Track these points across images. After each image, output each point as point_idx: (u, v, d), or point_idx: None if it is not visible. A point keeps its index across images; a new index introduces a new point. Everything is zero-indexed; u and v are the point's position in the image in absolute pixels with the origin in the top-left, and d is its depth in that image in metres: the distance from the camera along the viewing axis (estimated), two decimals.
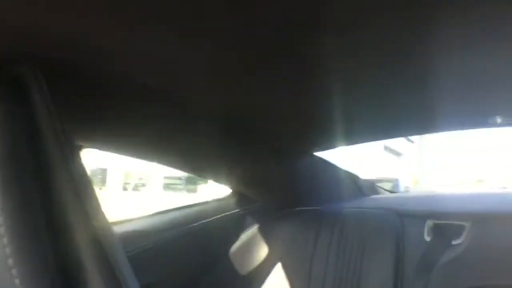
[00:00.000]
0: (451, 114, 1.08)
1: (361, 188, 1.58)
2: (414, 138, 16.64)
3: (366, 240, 1.24)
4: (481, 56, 0.69)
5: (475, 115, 1.10)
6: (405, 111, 1.02)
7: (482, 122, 1.16)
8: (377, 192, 1.64)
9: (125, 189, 9.61)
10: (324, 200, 1.42)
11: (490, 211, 1.23)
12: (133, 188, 9.57)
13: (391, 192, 1.71)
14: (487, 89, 0.87)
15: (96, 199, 0.50)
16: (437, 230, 1.23)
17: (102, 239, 0.47)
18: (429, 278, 1.15)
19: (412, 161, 16.48)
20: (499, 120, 1.09)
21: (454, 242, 1.19)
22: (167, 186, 10.73)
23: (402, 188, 8.69)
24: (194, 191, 9.19)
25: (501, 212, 1.22)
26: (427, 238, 1.22)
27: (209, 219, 1.33)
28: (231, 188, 1.41)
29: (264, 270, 1.34)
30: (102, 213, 0.50)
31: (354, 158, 11.31)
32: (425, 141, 16.66)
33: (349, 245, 1.25)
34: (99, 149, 1.01)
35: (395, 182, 8.90)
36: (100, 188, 9.64)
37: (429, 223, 1.24)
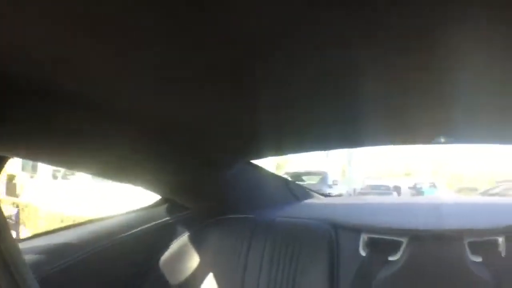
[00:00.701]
0: (395, 131, 1.10)
1: (294, 192, 1.57)
2: None
3: (300, 252, 1.22)
4: (428, 77, 0.70)
5: (422, 135, 1.12)
6: (335, 126, 1.02)
7: (426, 140, 1.18)
8: (309, 196, 1.65)
9: (55, 177, 9.11)
10: (256, 207, 1.40)
11: (427, 228, 1.24)
12: (62, 177, 9.08)
13: (323, 195, 1.74)
14: (432, 110, 0.89)
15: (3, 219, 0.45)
16: (373, 245, 1.22)
17: (8, 259, 0.43)
18: None
19: (340, 152, 17.19)
20: (443, 139, 1.12)
21: (390, 258, 1.19)
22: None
23: (330, 181, 9.06)
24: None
25: (437, 229, 1.23)
26: (363, 253, 1.21)
27: (138, 229, 1.26)
28: (161, 195, 1.35)
29: (196, 280, 1.30)
30: (9, 233, 0.45)
31: None
32: None
33: (282, 256, 1.22)
34: (27, 159, 0.92)
35: (323, 175, 9.25)
36: (32, 176, 9.21)
37: (364, 237, 1.23)
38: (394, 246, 1.20)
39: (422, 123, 1.01)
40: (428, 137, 1.14)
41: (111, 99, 0.75)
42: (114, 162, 1.07)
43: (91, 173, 1.12)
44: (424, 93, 0.77)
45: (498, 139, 1.20)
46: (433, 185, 12.34)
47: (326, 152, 16.34)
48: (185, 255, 1.32)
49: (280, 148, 1.25)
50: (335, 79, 0.70)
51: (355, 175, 16.16)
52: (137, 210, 1.32)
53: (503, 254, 1.16)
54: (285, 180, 1.59)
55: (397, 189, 11.02)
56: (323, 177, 8.99)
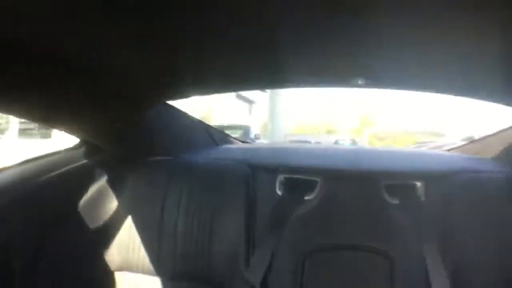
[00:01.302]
0: (314, 73, 1.12)
1: (213, 137, 1.60)
2: None
3: (218, 192, 1.24)
4: (344, 18, 0.71)
5: (338, 74, 1.14)
6: (255, 64, 1.03)
7: (345, 82, 1.20)
8: (229, 142, 1.69)
9: None
10: (176, 150, 1.41)
11: (343, 168, 1.29)
12: None
13: (242, 142, 1.80)
14: (351, 52, 0.91)
15: None
16: (289, 185, 1.26)
17: None
18: (281, 233, 1.19)
19: (263, 109, 17.45)
20: (360, 81, 1.14)
21: (306, 198, 1.24)
22: (22, 132, 9.70)
23: (252, 135, 9.24)
24: (49, 136, 8.47)
25: (353, 169, 1.28)
26: (279, 192, 1.25)
27: (56, 172, 1.23)
28: (79, 138, 1.32)
29: (115, 223, 1.30)
30: None
31: (206, 105, 11.51)
32: (278, 90, 17.70)
33: (200, 197, 1.25)
34: None
35: (246, 129, 9.40)
36: None
37: (281, 177, 1.26)
38: (310, 186, 1.25)
39: (341, 64, 1.03)
40: (347, 79, 1.16)
41: (27, 41, 0.74)
42: (33, 103, 1.02)
43: (11, 113, 1.05)
44: (343, 34, 0.79)
45: (416, 86, 1.24)
46: (354, 142, 12.90)
47: (249, 108, 16.52)
48: (104, 199, 1.32)
49: (200, 87, 1.26)
50: (254, 17, 0.72)
51: (277, 131, 16.57)
52: (54, 153, 1.28)
53: (422, 199, 1.23)
54: (205, 124, 1.61)
55: (318, 144, 11.34)
56: (245, 131, 9.13)
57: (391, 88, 1.27)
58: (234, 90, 1.47)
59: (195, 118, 1.56)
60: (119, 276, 1.30)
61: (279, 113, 17.92)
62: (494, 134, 1.53)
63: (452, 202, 1.20)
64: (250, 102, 16.42)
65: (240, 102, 15.39)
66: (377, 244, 1.18)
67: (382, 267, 1.17)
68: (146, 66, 0.99)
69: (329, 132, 19.59)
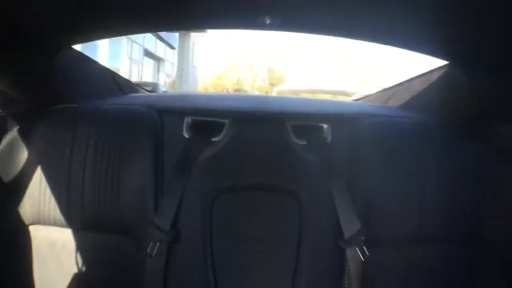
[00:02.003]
0: (217, 12, 1.08)
1: (120, 86, 1.57)
2: (175, 44, 17.09)
3: (125, 137, 1.22)
4: None
5: (243, 14, 1.10)
6: (155, 6, 1.01)
7: (250, 22, 1.16)
8: (136, 91, 1.69)
9: None
10: (83, 97, 1.38)
11: (250, 110, 1.30)
12: None
13: (150, 92, 1.82)
14: None
15: None
16: (196, 127, 1.25)
17: None
18: (189, 176, 1.19)
19: (172, 67, 17.06)
20: (268, 21, 1.08)
21: (213, 139, 1.24)
22: None
23: (161, 92, 9.09)
24: None
25: (260, 111, 1.29)
26: (187, 135, 1.25)
27: None
28: None
29: (26, 175, 1.26)
30: None
31: (113, 63, 10.99)
32: (187, 47, 17.35)
33: (107, 143, 1.22)
34: None
35: (154, 86, 9.21)
36: None
37: (188, 120, 1.25)
38: (217, 128, 1.25)
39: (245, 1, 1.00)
40: (253, 18, 1.11)
41: None
42: None
43: None
44: None
45: (326, 30, 1.21)
46: None
47: (158, 65, 16.02)
48: (15, 151, 1.28)
49: (104, 29, 1.21)
50: None
51: (185, 88, 16.40)
52: None
53: (328, 140, 1.26)
54: (112, 72, 1.58)
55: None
56: (153, 88, 8.95)
57: (301, 31, 1.23)
58: (136, 32, 1.44)
59: (102, 65, 1.52)
60: (33, 230, 1.27)
61: (188, 71, 17.65)
62: (401, 84, 1.58)
63: (359, 145, 1.24)
64: (158, 59, 15.94)
65: (148, 59, 14.88)
66: (285, 184, 1.20)
67: (290, 206, 1.19)
68: (49, 9, 0.95)
69: (237, 91, 19.65)
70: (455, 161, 1.23)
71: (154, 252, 1.14)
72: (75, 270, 1.27)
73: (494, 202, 1.23)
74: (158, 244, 1.14)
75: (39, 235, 1.28)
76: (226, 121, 1.26)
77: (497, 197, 1.23)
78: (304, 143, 1.24)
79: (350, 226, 1.14)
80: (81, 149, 1.22)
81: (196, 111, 1.28)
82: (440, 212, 1.20)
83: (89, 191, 1.22)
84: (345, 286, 1.17)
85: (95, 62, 1.47)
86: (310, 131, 1.27)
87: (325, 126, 1.27)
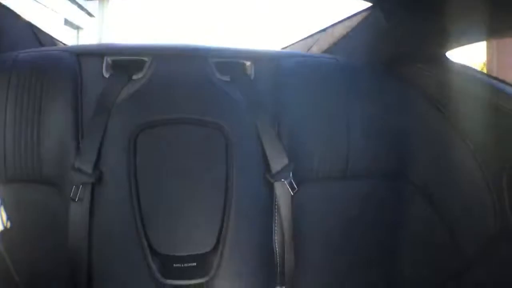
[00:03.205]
0: None
1: (38, 37, 1.52)
2: (94, 12, 16.11)
3: (43, 83, 1.18)
4: None
5: None
6: None
7: None
8: (55, 44, 1.65)
9: None
10: (1, 50, 1.31)
11: (170, 48, 1.30)
12: None
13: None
14: None
15: None
16: (116, 66, 1.23)
17: None
18: (109, 115, 1.17)
19: (91, 36, 16.08)
20: None
21: (134, 77, 1.22)
22: None
23: None
24: None
25: (181, 47, 1.29)
26: (106, 74, 1.22)
27: None
28: None
29: None
30: None
31: None
32: (107, 15, 16.38)
33: (26, 91, 1.18)
34: None
35: None
36: None
37: (108, 60, 1.22)
38: (137, 66, 1.23)
39: None
40: None
41: None
42: None
43: None
44: None
45: None
46: None
47: (77, 34, 15.04)
48: None
49: None
50: None
51: None
52: None
53: (252, 77, 1.28)
54: (30, 23, 1.51)
55: None
56: None
57: None
58: None
59: (23, 18, 1.45)
60: None
61: (107, 40, 16.80)
62: (323, 30, 1.62)
63: (282, 83, 1.26)
64: (77, 28, 14.92)
65: (67, 28, 13.88)
66: (210, 118, 1.20)
67: (217, 140, 1.19)
68: None
69: None
70: (379, 101, 1.29)
71: (77, 197, 1.11)
72: (1, 226, 1.23)
73: (417, 141, 1.32)
74: (80, 187, 1.12)
75: None
76: (146, 59, 1.24)
77: (419, 136, 1.32)
78: (228, 79, 1.25)
79: (278, 161, 1.18)
80: (1, 101, 1.18)
81: (115, 51, 1.25)
82: (366, 150, 1.27)
83: (10, 143, 1.18)
84: (275, 221, 1.21)
85: (14, 13, 1.39)
86: (233, 67, 1.27)
87: (248, 63, 1.29)
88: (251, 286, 1.18)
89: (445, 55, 1.26)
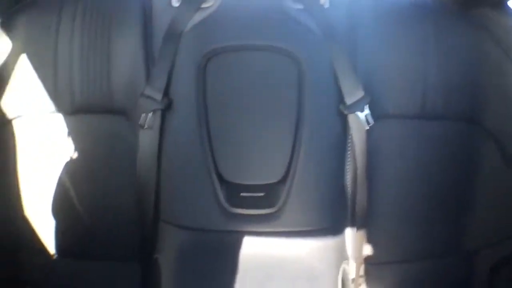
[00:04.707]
0: None
1: None
2: None
3: (112, 13, 1.19)
4: None
5: None
6: None
7: None
8: None
9: None
10: None
11: None
12: None
13: None
14: None
15: None
16: None
17: None
18: (179, 43, 1.16)
19: None
20: None
21: (204, 5, 1.19)
22: None
23: None
24: None
25: None
26: (176, 4, 1.21)
27: None
28: None
29: (8, 68, 1.22)
30: None
31: None
32: None
33: (94, 21, 1.19)
34: None
35: None
36: None
37: None
38: None
39: None
40: None
41: None
42: None
43: None
44: None
45: None
46: None
47: None
48: None
49: None
50: None
51: None
52: None
53: (326, 6, 1.22)
54: None
55: None
56: None
57: None
58: None
59: None
60: (17, 122, 1.24)
61: None
62: None
63: (358, 16, 1.22)
64: None
65: None
66: (283, 45, 1.16)
67: (289, 68, 1.14)
68: None
69: None
70: (454, 43, 1.24)
71: (146, 123, 1.11)
72: (66, 157, 1.25)
73: (490, 87, 1.25)
74: (150, 114, 1.11)
75: (24, 124, 1.25)
76: None
77: (493, 83, 1.25)
78: (301, 7, 1.20)
79: (352, 92, 1.13)
80: (67, 30, 1.19)
81: None
82: (441, 90, 1.21)
83: (78, 73, 1.19)
84: (348, 156, 1.16)
85: None
86: None
87: None
88: (319, 220, 1.13)
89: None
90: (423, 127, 1.22)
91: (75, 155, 1.24)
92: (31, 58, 1.22)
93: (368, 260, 1.23)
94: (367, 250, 1.22)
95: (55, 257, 1.30)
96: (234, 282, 1.06)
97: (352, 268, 1.20)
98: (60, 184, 1.25)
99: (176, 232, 1.13)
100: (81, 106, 1.21)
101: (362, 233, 1.19)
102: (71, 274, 1.30)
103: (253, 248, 1.10)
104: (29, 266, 1.31)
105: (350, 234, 1.19)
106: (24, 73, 1.21)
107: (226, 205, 1.10)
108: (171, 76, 1.15)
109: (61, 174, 1.24)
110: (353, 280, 1.21)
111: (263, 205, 1.10)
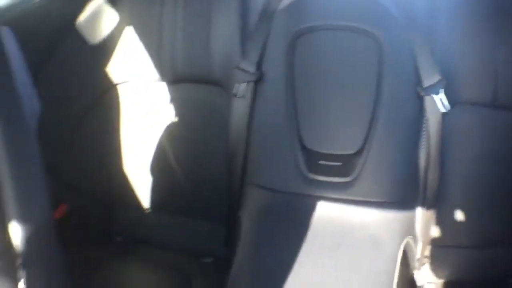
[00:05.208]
0: None
1: None
2: None
3: None
4: None
5: None
6: None
7: None
8: None
9: None
10: None
11: None
12: None
13: None
14: None
15: None
16: None
17: None
18: (273, 19, 1.28)
19: None
20: None
21: None
22: None
23: None
24: None
25: None
26: None
27: None
28: None
29: (115, 37, 1.37)
30: None
31: None
32: None
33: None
34: None
35: None
36: None
37: None
38: None
39: None
40: None
41: None
42: None
43: None
44: None
45: None
46: None
47: None
48: (104, 14, 1.36)
49: None
50: None
51: None
52: None
53: None
54: None
55: None
56: None
57: None
58: None
59: None
60: (123, 88, 1.40)
61: None
62: None
63: (437, 3, 1.26)
64: None
65: None
66: (366, 26, 1.22)
67: (371, 48, 1.20)
68: None
69: None
70: None
71: (239, 93, 1.24)
72: (166, 122, 1.40)
73: None
74: (243, 85, 1.24)
75: (129, 92, 1.40)
76: None
77: None
78: None
79: (430, 75, 1.18)
80: (170, 2, 1.33)
81: None
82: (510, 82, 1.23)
83: (181, 45, 1.33)
84: (423, 137, 1.21)
85: None
86: None
87: None
88: (389, 194, 1.19)
89: None
90: (496, 116, 1.24)
91: (175, 121, 1.40)
92: (137, 30, 1.37)
93: (434, 242, 1.27)
94: (435, 231, 1.27)
95: (147, 211, 1.46)
96: (304, 243, 1.13)
97: (418, 248, 1.25)
98: (159, 146, 1.41)
99: (259, 192, 1.24)
100: (183, 76, 1.37)
101: (431, 214, 1.24)
102: (159, 228, 1.47)
103: (326, 213, 1.17)
104: (123, 219, 1.49)
105: (419, 213, 1.24)
106: (130, 44, 1.37)
107: (305, 170, 1.19)
108: (264, 51, 1.27)
109: (161, 137, 1.41)
110: (418, 259, 1.25)
111: (339, 173, 1.18)
